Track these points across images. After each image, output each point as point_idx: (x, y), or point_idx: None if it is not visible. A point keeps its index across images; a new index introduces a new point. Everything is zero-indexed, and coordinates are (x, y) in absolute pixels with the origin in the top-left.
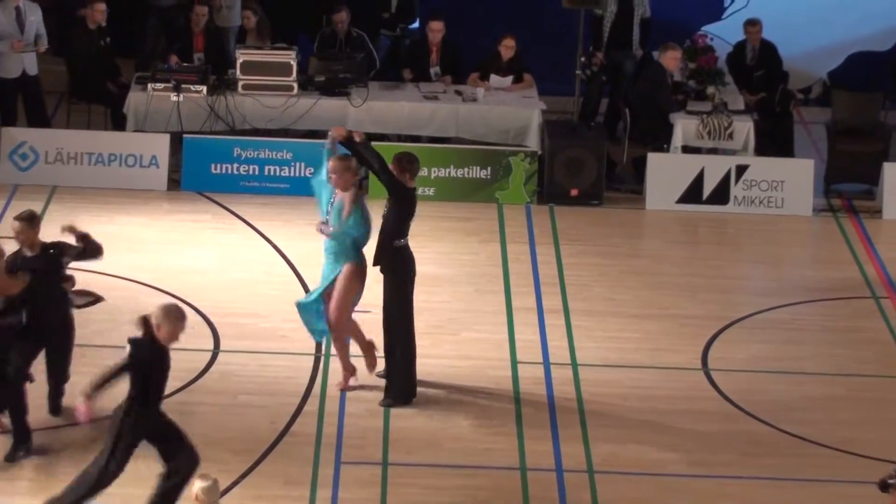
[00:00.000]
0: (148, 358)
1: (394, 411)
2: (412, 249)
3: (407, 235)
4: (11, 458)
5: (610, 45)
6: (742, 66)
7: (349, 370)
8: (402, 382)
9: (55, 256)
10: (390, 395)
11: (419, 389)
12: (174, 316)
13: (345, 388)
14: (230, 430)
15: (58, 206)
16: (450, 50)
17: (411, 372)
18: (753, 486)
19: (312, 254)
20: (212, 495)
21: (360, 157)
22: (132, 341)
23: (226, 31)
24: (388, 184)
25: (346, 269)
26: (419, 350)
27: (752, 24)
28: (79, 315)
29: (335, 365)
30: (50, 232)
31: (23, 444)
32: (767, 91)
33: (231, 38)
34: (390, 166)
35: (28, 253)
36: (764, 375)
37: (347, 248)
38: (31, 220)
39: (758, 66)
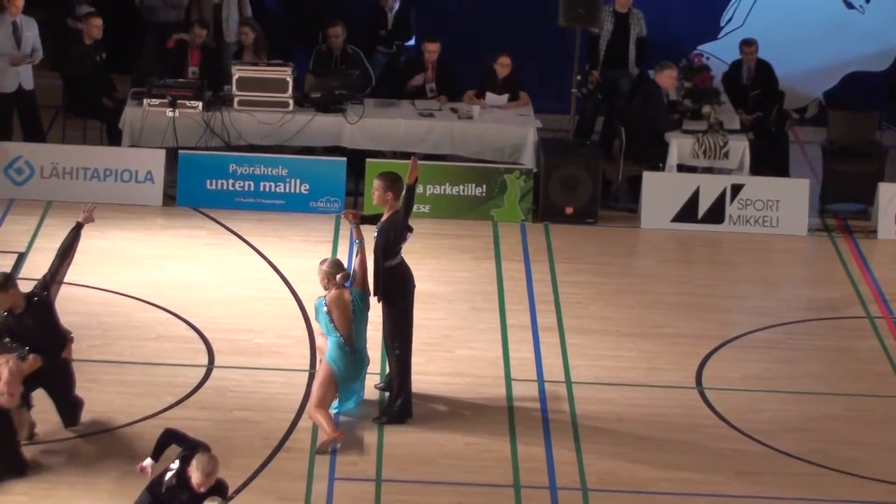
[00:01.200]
0: None
1: (387, 428)
2: (408, 264)
3: (399, 254)
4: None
5: (606, 63)
6: (738, 86)
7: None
8: (399, 402)
9: (41, 302)
10: (386, 414)
11: (415, 405)
12: (202, 466)
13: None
14: (224, 445)
15: (53, 220)
16: (445, 69)
17: (408, 392)
18: None
19: (307, 270)
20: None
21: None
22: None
23: (224, 46)
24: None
25: (322, 369)
26: (413, 367)
27: (747, 45)
28: (73, 330)
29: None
30: (45, 245)
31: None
32: (763, 111)
33: (229, 53)
34: (377, 183)
35: (16, 312)
36: (758, 395)
37: (332, 347)
38: (3, 286)
39: (753, 85)
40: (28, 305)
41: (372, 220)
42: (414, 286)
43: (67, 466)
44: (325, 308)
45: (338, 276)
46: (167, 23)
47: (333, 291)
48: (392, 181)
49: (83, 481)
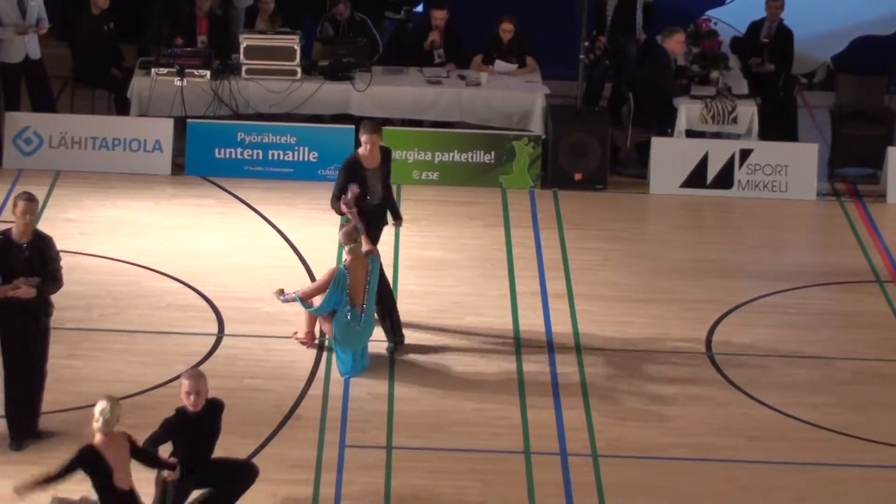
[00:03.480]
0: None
1: (397, 395)
2: (415, 234)
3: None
4: None
5: (613, 29)
6: (755, 44)
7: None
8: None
9: (47, 243)
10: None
11: (423, 372)
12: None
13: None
14: (235, 413)
15: (62, 190)
16: (453, 36)
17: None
18: (758, 470)
19: (316, 238)
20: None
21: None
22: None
23: (233, 13)
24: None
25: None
26: (423, 334)
27: (774, 0)
28: (83, 299)
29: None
30: (54, 215)
31: None
32: (774, 72)
33: (238, 21)
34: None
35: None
36: (768, 359)
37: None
38: (33, 198)
39: (771, 44)
40: (35, 238)
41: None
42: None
43: (74, 437)
44: (347, 275)
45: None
46: None
47: (351, 257)
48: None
49: None
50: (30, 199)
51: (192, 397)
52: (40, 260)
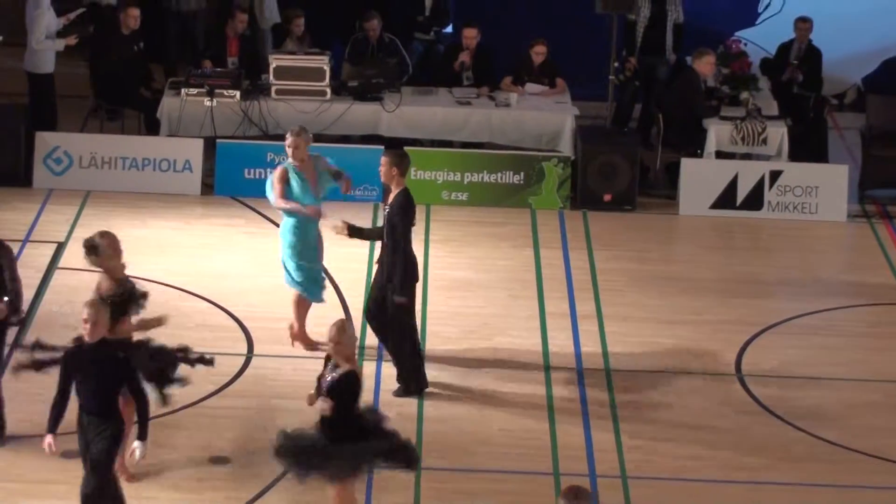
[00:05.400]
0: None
1: (426, 415)
2: (445, 254)
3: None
4: None
5: (643, 50)
6: (785, 65)
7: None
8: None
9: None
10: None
11: (454, 394)
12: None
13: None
14: (264, 434)
15: (92, 210)
16: (484, 57)
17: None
18: (788, 492)
19: (344, 258)
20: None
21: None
22: None
23: (260, 33)
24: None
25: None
26: (452, 355)
27: (803, 22)
28: None
29: (368, 370)
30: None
31: None
32: (803, 94)
33: (265, 41)
34: (383, 159)
35: None
36: (798, 381)
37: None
38: None
39: (800, 65)
40: None
41: (361, 232)
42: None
43: None
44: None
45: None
46: (189, 11)
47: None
48: (399, 157)
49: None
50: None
51: (87, 326)
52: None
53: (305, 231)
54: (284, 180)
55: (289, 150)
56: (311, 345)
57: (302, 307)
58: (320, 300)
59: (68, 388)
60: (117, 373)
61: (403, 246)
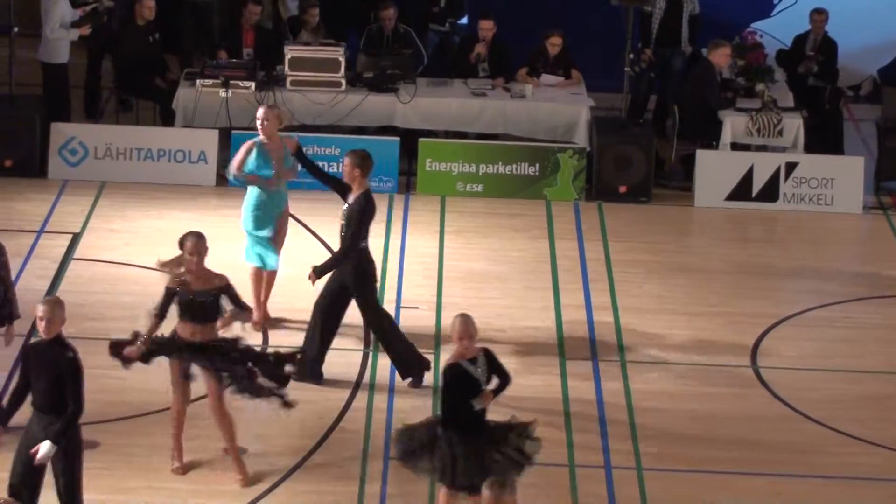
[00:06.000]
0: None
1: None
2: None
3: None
4: None
5: (659, 41)
6: (801, 57)
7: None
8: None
9: None
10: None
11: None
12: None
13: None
14: (279, 425)
15: (107, 201)
16: (499, 48)
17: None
18: (804, 485)
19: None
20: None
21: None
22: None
23: (282, 25)
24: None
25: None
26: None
27: (818, 13)
28: (128, 310)
29: (384, 360)
30: (99, 226)
31: None
32: (818, 86)
33: (286, 31)
34: (346, 160)
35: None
36: (814, 373)
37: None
38: None
39: (816, 57)
40: None
41: (323, 270)
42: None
43: (125, 446)
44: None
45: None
46: (204, 2)
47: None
48: (361, 158)
49: (140, 460)
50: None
51: (42, 323)
52: None
53: (267, 205)
54: (247, 152)
55: (257, 123)
56: (268, 320)
57: (259, 282)
58: (275, 267)
59: (28, 382)
60: (63, 373)
61: (355, 245)
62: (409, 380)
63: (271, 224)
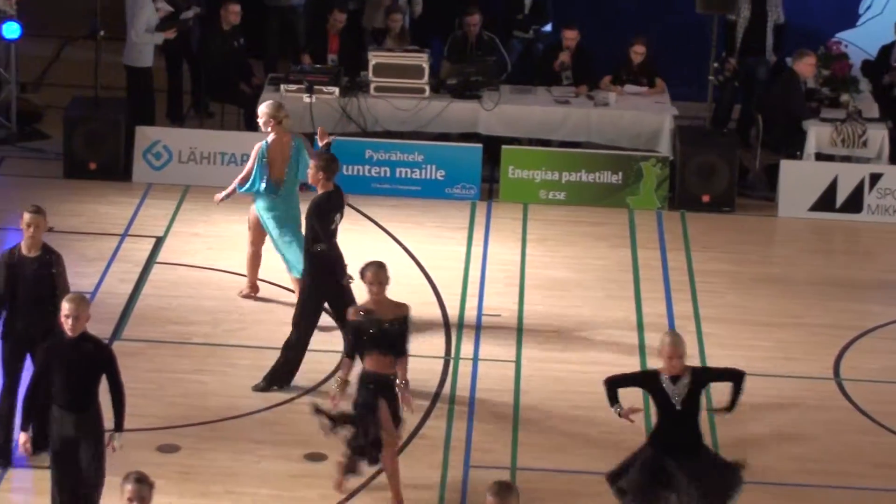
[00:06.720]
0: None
1: (522, 416)
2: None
3: (330, 239)
4: None
5: (743, 50)
6: (886, 67)
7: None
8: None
9: (53, 259)
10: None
11: (548, 393)
12: None
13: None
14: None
15: (190, 205)
16: (584, 57)
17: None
18: (886, 499)
19: (443, 256)
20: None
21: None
22: None
23: (365, 32)
24: None
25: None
26: (549, 355)
27: None
28: (210, 314)
29: (464, 368)
30: (182, 230)
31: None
32: None
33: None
34: (311, 162)
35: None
36: None
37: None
38: (40, 210)
39: None
40: (44, 252)
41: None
42: (338, 280)
43: (206, 450)
44: (266, 153)
45: (283, 120)
46: (289, 7)
47: (274, 135)
48: (326, 162)
49: (221, 465)
50: (35, 211)
51: (69, 321)
52: (49, 274)
53: (285, 207)
54: (255, 158)
55: (260, 122)
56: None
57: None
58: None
59: (44, 381)
60: (97, 368)
61: (323, 241)
62: (260, 383)
63: (295, 225)
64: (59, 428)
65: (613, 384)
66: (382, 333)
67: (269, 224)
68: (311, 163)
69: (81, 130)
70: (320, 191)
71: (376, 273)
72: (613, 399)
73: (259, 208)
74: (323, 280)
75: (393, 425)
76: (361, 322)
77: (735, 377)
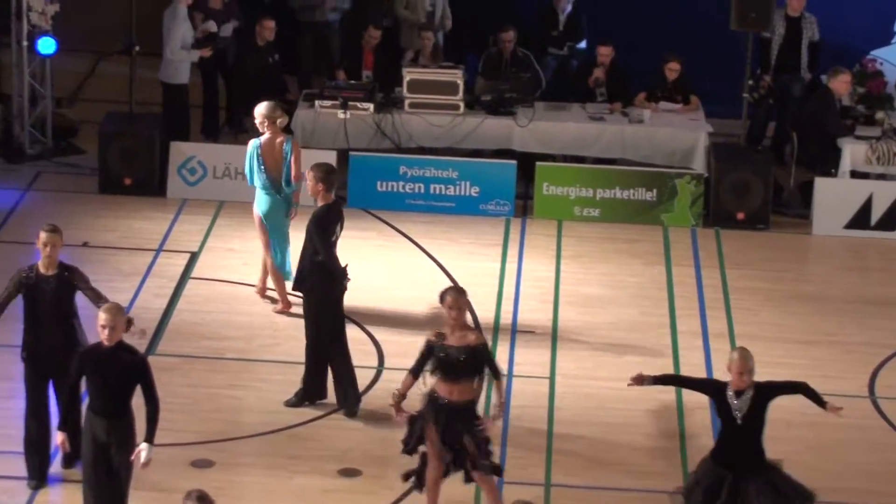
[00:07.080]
0: None
1: (556, 432)
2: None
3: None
4: None
5: (778, 68)
6: None
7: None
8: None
9: (72, 275)
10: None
11: (582, 409)
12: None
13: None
14: (394, 447)
15: (225, 220)
16: (618, 74)
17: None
18: None
19: (477, 273)
20: None
21: None
22: None
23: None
24: None
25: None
26: (583, 372)
27: None
28: (243, 330)
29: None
30: (216, 245)
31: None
32: None
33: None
34: (308, 174)
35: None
36: None
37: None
38: (56, 230)
39: None
40: (61, 270)
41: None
42: (342, 290)
43: (240, 466)
44: (258, 150)
45: (278, 121)
46: (324, 23)
47: (268, 135)
48: (325, 172)
49: (252, 481)
50: (52, 230)
51: (106, 331)
52: (69, 291)
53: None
54: (247, 155)
55: (256, 122)
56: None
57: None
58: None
59: (79, 385)
60: (131, 377)
61: (324, 254)
62: (291, 399)
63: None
64: (91, 431)
65: (677, 380)
66: (447, 359)
67: (270, 223)
68: (308, 174)
69: (116, 146)
70: (320, 203)
71: (456, 299)
72: (657, 382)
73: (260, 208)
74: (326, 290)
75: (442, 446)
76: (434, 344)
77: (802, 389)
